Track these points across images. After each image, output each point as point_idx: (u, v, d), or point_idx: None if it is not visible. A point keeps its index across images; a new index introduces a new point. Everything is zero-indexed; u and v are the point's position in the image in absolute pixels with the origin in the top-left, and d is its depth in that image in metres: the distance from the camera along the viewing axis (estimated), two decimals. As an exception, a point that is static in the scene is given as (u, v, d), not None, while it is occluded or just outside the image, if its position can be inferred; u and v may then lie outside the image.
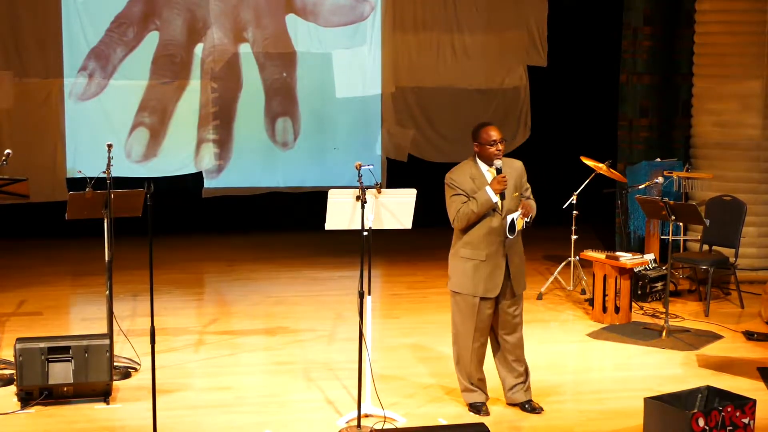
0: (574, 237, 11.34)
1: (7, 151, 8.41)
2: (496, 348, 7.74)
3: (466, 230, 7.46)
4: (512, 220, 7.42)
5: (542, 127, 15.54)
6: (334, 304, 10.98)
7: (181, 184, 14.65)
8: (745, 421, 6.81)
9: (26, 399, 7.71)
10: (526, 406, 7.77)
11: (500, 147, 7.46)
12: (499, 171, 7.48)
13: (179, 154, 14.69)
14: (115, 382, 8.08)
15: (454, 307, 7.62)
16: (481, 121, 7.72)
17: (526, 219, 7.47)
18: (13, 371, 7.88)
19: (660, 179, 11.89)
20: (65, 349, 7.75)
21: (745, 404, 6.85)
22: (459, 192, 7.42)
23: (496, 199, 7.38)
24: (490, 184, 7.41)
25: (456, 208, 7.40)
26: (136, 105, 14.49)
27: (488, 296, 7.48)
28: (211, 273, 12.68)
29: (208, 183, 14.83)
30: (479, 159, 7.52)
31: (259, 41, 14.79)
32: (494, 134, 7.43)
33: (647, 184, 11.88)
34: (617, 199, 12.38)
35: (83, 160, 13.99)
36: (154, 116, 14.55)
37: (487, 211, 7.39)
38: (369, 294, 7.33)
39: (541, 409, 7.76)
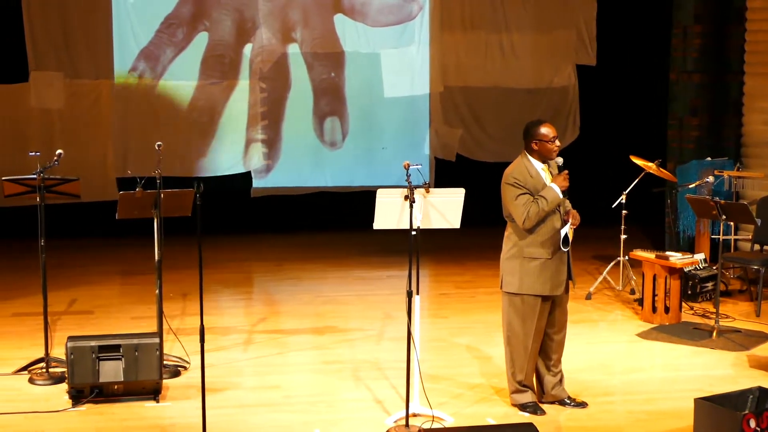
0: (623, 236, 11.27)
1: (59, 151, 8.51)
2: (540, 347, 7.71)
3: (532, 229, 7.43)
4: (566, 233, 7.38)
5: (591, 126, 15.46)
6: (382, 304, 10.99)
7: (230, 183, 14.73)
8: (798, 422, 6.75)
9: (77, 397, 7.79)
10: (571, 401, 7.78)
11: (558, 143, 7.47)
12: (561, 167, 7.48)
13: (228, 154, 14.77)
14: (164, 381, 8.13)
15: (510, 309, 7.55)
16: (535, 119, 7.69)
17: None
18: (65, 369, 7.95)
19: (710, 178, 11.78)
20: (116, 348, 7.82)
21: (798, 406, 6.78)
22: (524, 191, 7.38)
23: (561, 195, 7.39)
24: (555, 180, 7.42)
25: (525, 208, 7.33)
26: (186, 105, 14.60)
27: (555, 294, 7.47)
28: (260, 272, 12.74)
29: (257, 183, 14.90)
30: (531, 156, 7.50)
31: (308, 41, 14.84)
32: (552, 131, 7.46)
33: (697, 183, 11.78)
34: (667, 198, 12.30)
35: (133, 160, 14.12)
36: (204, 116, 14.64)
37: (553, 209, 7.39)
38: (417, 294, 7.32)
39: (586, 404, 7.78)
